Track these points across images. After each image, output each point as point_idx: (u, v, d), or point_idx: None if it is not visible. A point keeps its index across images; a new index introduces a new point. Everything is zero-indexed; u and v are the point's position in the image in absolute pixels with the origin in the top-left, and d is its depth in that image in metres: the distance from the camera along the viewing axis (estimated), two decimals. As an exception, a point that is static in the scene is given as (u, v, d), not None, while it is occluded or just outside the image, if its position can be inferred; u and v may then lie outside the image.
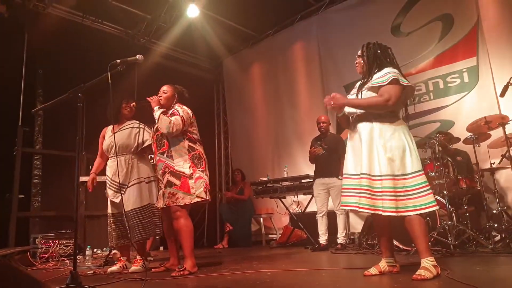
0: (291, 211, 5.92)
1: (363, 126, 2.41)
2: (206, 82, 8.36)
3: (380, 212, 2.24)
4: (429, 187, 2.25)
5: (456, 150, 4.30)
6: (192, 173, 2.96)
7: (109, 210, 3.39)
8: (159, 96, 3.13)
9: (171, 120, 2.95)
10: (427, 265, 2.16)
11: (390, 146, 2.29)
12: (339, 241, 4.54)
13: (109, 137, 3.45)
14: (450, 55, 5.15)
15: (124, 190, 3.27)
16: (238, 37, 7.44)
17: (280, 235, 6.07)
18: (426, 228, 2.31)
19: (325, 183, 4.68)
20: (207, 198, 3.01)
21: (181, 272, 2.80)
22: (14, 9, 5.47)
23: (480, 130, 3.99)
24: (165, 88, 3.18)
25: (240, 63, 7.99)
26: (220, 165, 8.21)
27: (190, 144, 3.05)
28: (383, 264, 2.44)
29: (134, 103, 3.48)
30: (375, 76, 2.45)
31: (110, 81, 2.59)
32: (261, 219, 6.45)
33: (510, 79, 3.70)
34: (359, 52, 2.60)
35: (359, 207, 2.32)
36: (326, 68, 6.50)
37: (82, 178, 4.48)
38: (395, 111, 2.41)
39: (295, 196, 5.62)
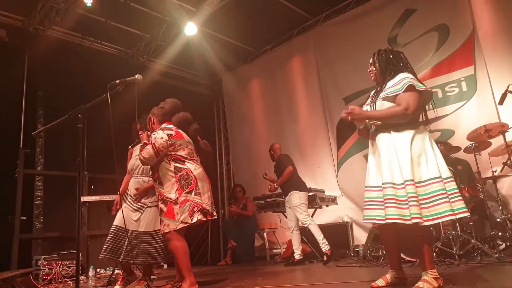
0: (295, 225, 5.89)
1: (381, 136, 2.36)
2: (206, 99, 8.42)
3: (408, 222, 2.12)
4: (446, 194, 2.13)
5: (456, 159, 4.29)
6: (177, 197, 2.83)
7: (116, 223, 3.27)
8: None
9: (141, 153, 2.92)
10: (428, 278, 2.14)
11: (409, 152, 2.22)
12: (323, 250, 4.53)
13: (134, 156, 3.45)
14: (448, 64, 5.18)
15: (143, 209, 3.26)
16: (236, 53, 7.53)
17: (284, 250, 6.01)
18: (432, 240, 2.27)
19: (286, 200, 4.89)
20: (192, 222, 2.80)
21: None
22: (14, 33, 5.57)
23: (480, 139, 3.99)
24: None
25: (239, 78, 8.05)
26: (222, 181, 8.20)
27: (177, 164, 2.92)
28: (390, 276, 2.41)
29: (137, 125, 3.51)
30: (389, 84, 2.38)
31: (109, 101, 2.62)
32: (265, 234, 6.40)
33: (508, 87, 3.72)
34: (371, 60, 2.55)
35: (387, 218, 2.20)
36: (325, 81, 6.55)
37: (84, 198, 4.49)
38: (414, 117, 2.33)
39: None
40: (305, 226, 4.65)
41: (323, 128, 6.44)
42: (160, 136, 2.92)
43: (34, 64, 5.56)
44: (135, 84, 2.94)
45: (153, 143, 2.88)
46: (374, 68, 2.52)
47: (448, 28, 5.20)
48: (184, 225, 2.79)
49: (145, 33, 6.63)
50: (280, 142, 7.08)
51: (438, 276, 2.16)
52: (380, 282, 2.38)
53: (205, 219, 2.87)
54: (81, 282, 4.30)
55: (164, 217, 2.84)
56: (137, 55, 6.94)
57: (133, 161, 3.42)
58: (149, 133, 3.06)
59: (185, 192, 2.85)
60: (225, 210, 7.85)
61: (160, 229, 3.05)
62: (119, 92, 2.69)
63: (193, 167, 2.95)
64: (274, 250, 6.58)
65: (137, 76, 2.79)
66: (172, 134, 2.95)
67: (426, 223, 2.13)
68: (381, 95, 2.38)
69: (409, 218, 2.13)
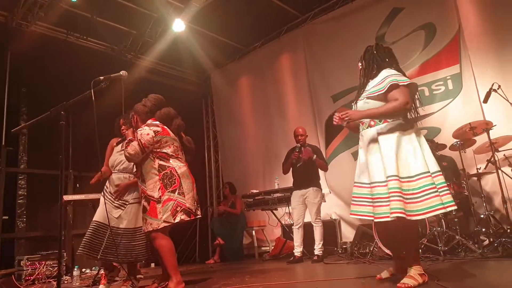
0: (283, 222, 5.89)
1: (369, 133, 2.37)
2: (194, 96, 8.36)
3: (388, 219, 2.14)
4: (435, 189, 2.14)
5: (441, 156, 4.34)
6: (160, 196, 2.80)
7: (97, 219, 3.23)
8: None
9: (127, 149, 2.87)
10: (413, 274, 2.16)
11: (395, 149, 2.22)
12: (316, 252, 4.50)
13: (116, 152, 3.40)
14: (434, 63, 5.23)
15: (125, 206, 3.22)
16: (225, 50, 7.49)
17: (272, 247, 6.01)
18: (417, 236, 2.30)
19: (302, 194, 4.64)
20: (175, 222, 2.77)
21: None
22: (-4, 28, 5.45)
23: (465, 136, 4.03)
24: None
25: (228, 76, 8.01)
26: (210, 179, 8.16)
27: (161, 162, 2.89)
28: (394, 267, 2.43)
29: (121, 120, 3.44)
30: (372, 83, 2.40)
31: (93, 97, 2.57)
32: (253, 231, 6.39)
33: (492, 85, 3.77)
34: (360, 57, 2.58)
35: (375, 217, 2.24)
36: (314, 78, 6.55)
37: (68, 197, 4.40)
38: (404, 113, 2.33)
39: (287, 207, 5.58)
40: (315, 224, 4.54)
41: (311, 125, 6.45)
42: (146, 132, 2.87)
43: (17, 60, 5.44)
44: (122, 81, 2.89)
45: (139, 139, 2.84)
46: (361, 64, 2.54)
47: (435, 27, 5.25)
48: (166, 224, 2.76)
49: (132, 29, 6.54)
50: (269, 140, 7.12)
51: (423, 272, 2.19)
52: (385, 274, 2.41)
53: (188, 219, 2.83)
54: (66, 282, 4.23)
55: (147, 216, 2.81)
56: (124, 51, 6.85)
57: (115, 157, 3.37)
58: (134, 129, 3.02)
59: (168, 191, 2.81)
60: (214, 208, 7.82)
61: (141, 226, 3.02)
62: (105, 89, 2.65)
63: (178, 166, 2.91)
64: (263, 248, 6.58)
65: (122, 72, 2.74)
66: (158, 131, 2.91)
67: (416, 218, 2.13)
68: (364, 94, 2.41)
69: (389, 214, 2.14)
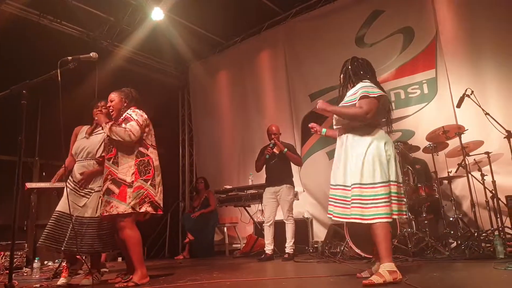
0: (256, 219, 5.84)
1: (340, 138, 2.52)
2: (171, 88, 8.18)
3: (347, 220, 2.35)
4: (387, 199, 2.27)
5: (414, 159, 4.39)
6: (133, 181, 2.76)
7: (59, 209, 3.09)
8: (108, 106, 3.00)
9: (126, 128, 2.79)
10: (382, 271, 2.18)
11: (363, 158, 2.33)
12: (287, 250, 4.46)
13: (81, 138, 3.27)
14: (411, 66, 5.31)
15: (90, 195, 3.09)
16: (205, 43, 7.37)
17: (244, 245, 5.95)
18: (388, 235, 2.31)
19: (275, 191, 4.58)
20: (139, 211, 2.72)
21: (125, 284, 2.67)
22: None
23: (438, 140, 4.10)
24: (111, 96, 3.03)
25: (206, 69, 7.89)
26: (184, 173, 8.01)
27: (141, 148, 2.88)
28: (375, 268, 2.45)
29: (102, 103, 3.29)
30: (349, 92, 2.54)
31: (60, 78, 2.45)
32: (225, 228, 6.31)
33: (466, 91, 3.84)
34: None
35: (333, 216, 2.46)
36: (292, 76, 6.54)
37: (32, 185, 4.22)
38: (374, 122, 2.47)
39: (260, 204, 5.53)
40: (287, 222, 4.49)
41: (288, 123, 6.44)
42: (140, 113, 2.92)
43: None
44: (97, 66, 2.79)
45: (137, 120, 2.84)
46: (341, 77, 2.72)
47: (413, 31, 5.32)
48: (132, 210, 2.71)
49: (109, 16, 6.32)
50: (245, 136, 7.06)
51: (395, 269, 2.20)
52: (365, 274, 2.45)
53: (154, 212, 2.81)
54: (25, 274, 4.05)
55: (113, 198, 2.73)
56: (100, 38, 6.61)
57: (78, 144, 3.24)
58: (110, 110, 2.98)
59: (141, 178, 2.79)
60: (185, 203, 7.69)
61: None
62: (78, 77, 2.55)
63: (155, 158, 2.94)
64: (234, 245, 6.51)
65: (92, 54, 2.64)
66: (146, 117, 2.97)
67: (372, 221, 2.25)
68: (341, 103, 2.57)
69: (347, 217, 2.34)
